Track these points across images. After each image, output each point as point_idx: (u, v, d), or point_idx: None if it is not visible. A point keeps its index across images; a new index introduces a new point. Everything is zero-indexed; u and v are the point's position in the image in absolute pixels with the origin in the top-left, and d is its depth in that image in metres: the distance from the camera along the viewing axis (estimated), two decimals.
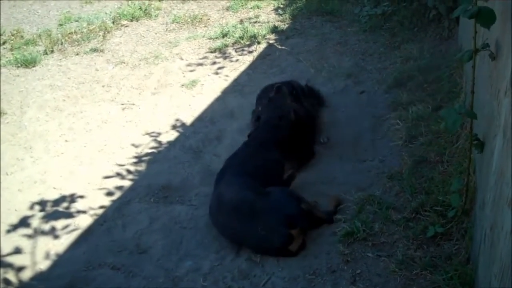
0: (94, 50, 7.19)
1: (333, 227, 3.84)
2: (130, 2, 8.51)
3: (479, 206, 3.08)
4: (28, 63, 6.93)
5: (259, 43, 6.84)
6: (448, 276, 3.20)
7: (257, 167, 4.24)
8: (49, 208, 4.51)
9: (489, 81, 2.99)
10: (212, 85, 6.11)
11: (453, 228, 3.52)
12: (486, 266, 2.65)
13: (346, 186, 4.24)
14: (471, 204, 3.44)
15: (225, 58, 6.65)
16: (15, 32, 7.88)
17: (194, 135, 5.26)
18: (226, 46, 6.89)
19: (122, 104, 5.93)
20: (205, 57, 6.72)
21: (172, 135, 5.32)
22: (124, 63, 6.80)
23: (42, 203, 4.57)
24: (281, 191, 3.99)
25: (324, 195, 4.14)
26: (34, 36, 7.74)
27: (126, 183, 4.71)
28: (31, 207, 4.54)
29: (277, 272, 3.56)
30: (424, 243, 3.51)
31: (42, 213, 4.46)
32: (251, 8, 7.94)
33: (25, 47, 7.47)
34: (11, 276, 3.88)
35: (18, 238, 4.23)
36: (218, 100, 5.80)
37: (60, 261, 3.99)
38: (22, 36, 7.79)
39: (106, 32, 7.66)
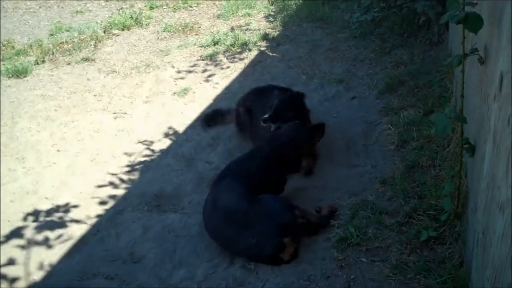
0: (86, 59, 7.19)
1: (326, 233, 3.85)
2: (121, 11, 8.52)
3: (471, 209, 3.09)
4: (19, 73, 6.92)
5: (250, 50, 6.86)
6: (442, 280, 3.21)
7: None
8: (42, 218, 4.50)
9: (479, 85, 3.01)
10: (204, 92, 6.12)
11: (446, 232, 3.54)
12: (479, 269, 2.66)
13: (339, 192, 4.25)
14: (463, 207, 3.45)
15: (216, 65, 6.67)
16: (6, 42, 7.87)
17: (186, 143, 5.27)
18: (217, 53, 6.91)
19: (114, 113, 5.93)
20: (196, 65, 6.73)
21: (165, 143, 5.33)
22: (116, 72, 6.81)
23: (35, 214, 4.55)
24: (274, 199, 3.99)
25: (317, 201, 4.15)
26: (25, 46, 7.73)
27: (119, 192, 4.70)
28: (24, 218, 4.53)
29: (271, 279, 3.56)
30: (417, 247, 3.52)
31: (35, 224, 4.45)
32: (242, 15, 7.98)
33: (16, 57, 7.46)
34: (5, 287, 3.86)
35: (11, 249, 4.21)
36: (210, 107, 5.81)
37: (54, 271, 3.97)
38: (13, 47, 7.78)
39: (97, 42, 7.66)
